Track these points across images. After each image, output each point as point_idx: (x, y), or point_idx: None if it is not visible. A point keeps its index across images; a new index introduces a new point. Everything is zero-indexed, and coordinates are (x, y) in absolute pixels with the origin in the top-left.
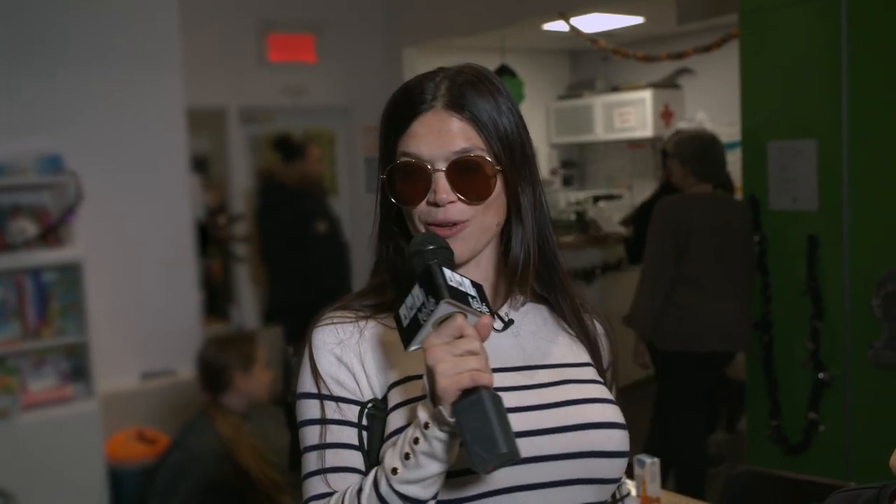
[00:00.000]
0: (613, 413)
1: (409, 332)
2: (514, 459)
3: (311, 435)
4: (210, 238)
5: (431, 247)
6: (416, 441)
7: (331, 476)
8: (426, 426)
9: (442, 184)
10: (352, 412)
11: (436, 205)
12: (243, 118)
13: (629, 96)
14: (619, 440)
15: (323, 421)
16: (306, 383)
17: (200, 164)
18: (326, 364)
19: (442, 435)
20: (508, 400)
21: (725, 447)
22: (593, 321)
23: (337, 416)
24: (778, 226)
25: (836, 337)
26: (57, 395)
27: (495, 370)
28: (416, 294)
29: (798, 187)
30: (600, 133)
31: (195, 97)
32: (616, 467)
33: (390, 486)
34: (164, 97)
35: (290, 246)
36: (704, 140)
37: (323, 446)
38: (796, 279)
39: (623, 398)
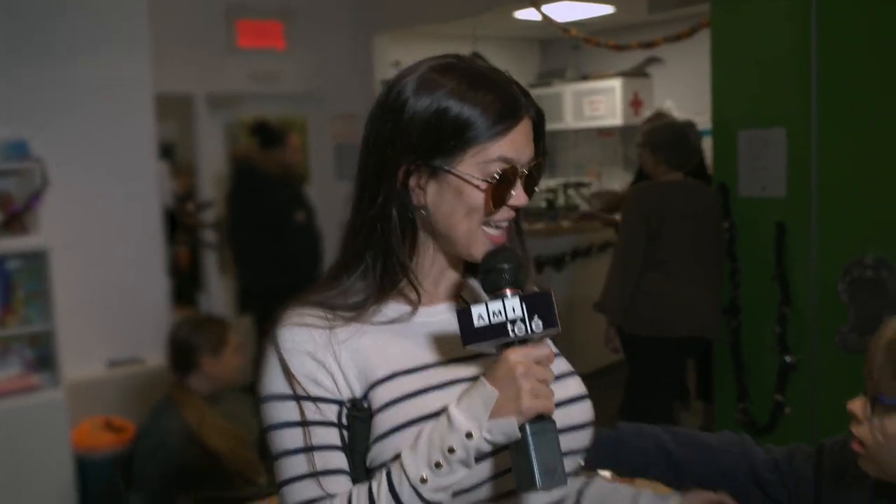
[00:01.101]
0: (578, 385)
1: (480, 334)
2: (562, 485)
3: (290, 438)
4: (178, 225)
5: (511, 264)
6: (450, 450)
7: (324, 479)
8: (469, 436)
9: (521, 189)
10: (331, 412)
11: (513, 209)
12: (211, 104)
13: (599, 85)
14: (587, 411)
15: (304, 423)
16: (276, 384)
17: (168, 151)
18: (299, 364)
19: (487, 447)
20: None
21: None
22: None
23: (318, 418)
24: (747, 213)
25: (804, 322)
26: (22, 384)
27: (470, 358)
28: (514, 307)
29: (767, 175)
30: (570, 121)
31: (163, 83)
32: (586, 437)
33: (419, 494)
34: (132, 83)
35: (268, 234)
36: (676, 129)
37: (309, 449)
38: (765, 265)
39: (593, 383)
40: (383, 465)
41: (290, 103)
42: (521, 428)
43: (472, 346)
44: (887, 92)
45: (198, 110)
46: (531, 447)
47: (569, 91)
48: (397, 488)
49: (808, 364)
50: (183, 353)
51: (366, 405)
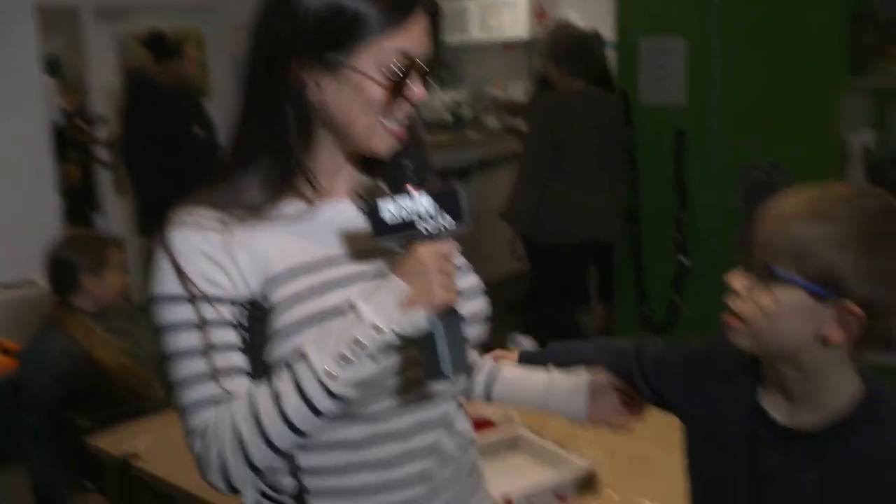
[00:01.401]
0: (475, 279)
1: (392, 231)
2: (468, 374)
3: (186, 338)
4: (68, 142)
5: (416, 163)
6: (359, 344)
7: (224, 379)
8: (378, 329)
9: (420, 84)
10: (229, 312)
11: (411, 103)
12: (99, 17)
13: None
14: (484, 305)
15: (201, 324)
16: (169, 285)
17: (55, 67)
18: (192, 264)
19: (396, 340)
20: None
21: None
22: None
23: (215, 318)
24: (648, 121)
25: (701, 227)
26: None
27: (371, 254)
28: (423, 203)
29: (668, 84)
30: (475, 34)
31: None
32: (483, 330)
33: (326, 388)
34: None
35: (165, 149)
36: (579, 39)
37: (206, 349)
38: (665, 172)
39: (500, 293)
40: (283, 362)
41: (183, 15)
42: (431, 321)
43: (380, 240)
44: (785, 3)
45: (85, 22)
46: (441, 339)
47: (474, 4)
48: (303, 384)
49: (705, 267)
50: (62, 273)
51: (265, 305)
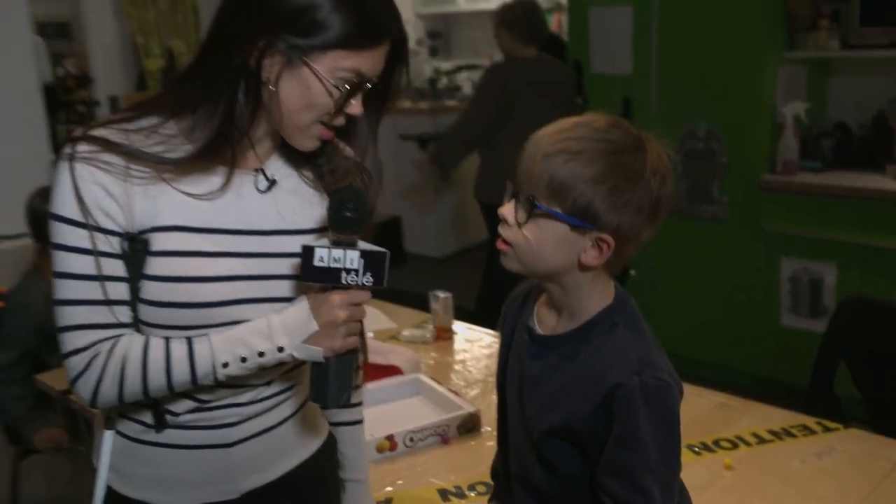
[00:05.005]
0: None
1: (317, 274)
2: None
3: (78, 262)
4: (60, 103)
5: (358, 213)
6: (260, 354)
7: (115, 308)
8: (280, 349)
9: (360, 100)
10: (117, 244)
11: (346, 116)
12: None
13: None
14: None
15: (96, 253)
16: (68, 207)
17: (62, 31)
18: (91, 194)
19: (290, 360)
20: (250, 265)
21: None
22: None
23: (108, 249)
24: (598, 88)
25: None
26: None
27: (245, 232)
28: (353, 259)
29: (615, 52)
30: (462, 4)
31: None
32: None
33: (214, 372)
34: None
35: None
36: (525, 5)
37: (101, 278)
38: None
39: (470, 257)
40: (159, 304)
41: None
42: (327, 359)
43: (306, 281)
44: None
45: None
46: (330, 374)
47: None
48: (196, 360)
49: None
50: (41, 222)
51: (142, 243)
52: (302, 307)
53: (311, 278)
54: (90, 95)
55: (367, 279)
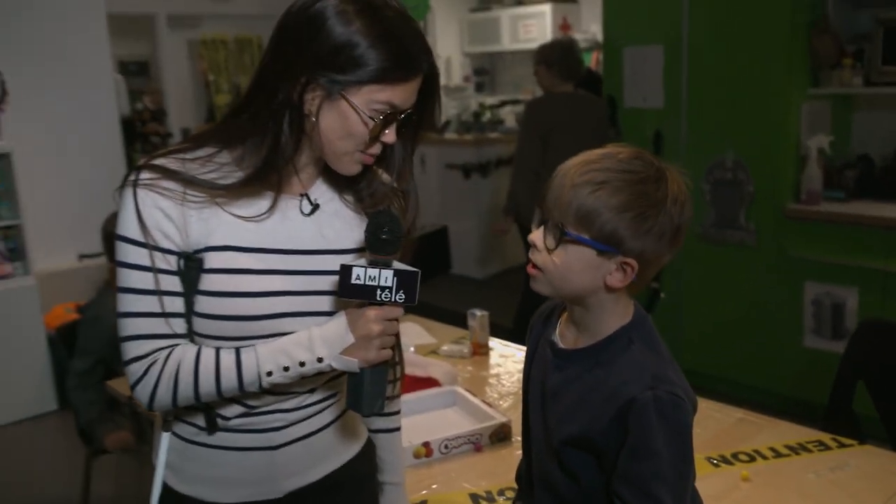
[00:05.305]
0: None
1: (354, 291)
2: (379, 413)
3: (139, 278)
4: (136, 134)
5: (394, 235)
6: (302, 364)
7: (171, 320)
8: (320, 360)
9: (394, 130)
10: (174, 262)
11: (382, 144)
12: (172, 24)
13: (531, 10)
14: None
15: (155, 270)
16: (131, 228)
17: (141, 68)
18: (151, 217)
19: (329, 371)
20: (294, 282)
21: None
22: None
23: (166, 267)
24: (631, 121)
25: None
26: None
27: (289, 251)
28: (387, 277)
29: (647, 88)
30: (507, 43)
31: (126, 4)
32: None
33: (260, 380)
34: (85, 2)
35: None
36: (564, 44)
37: (159, 293)
38: None
39: (509, 279)
40: (211, 317)
41: (247, 23)
42: (362, 369)
43: (346, 299)
44: (751, 16)
45: (160, 29)
46: (365, 384)
47: (505, 15)
48: (243, 369)
49: (679, 255)
50: (111, 243)
51: (197, 261)
52: (340, 321)
53: (349, 295)
54: (164, 128)
55: (400, 296)
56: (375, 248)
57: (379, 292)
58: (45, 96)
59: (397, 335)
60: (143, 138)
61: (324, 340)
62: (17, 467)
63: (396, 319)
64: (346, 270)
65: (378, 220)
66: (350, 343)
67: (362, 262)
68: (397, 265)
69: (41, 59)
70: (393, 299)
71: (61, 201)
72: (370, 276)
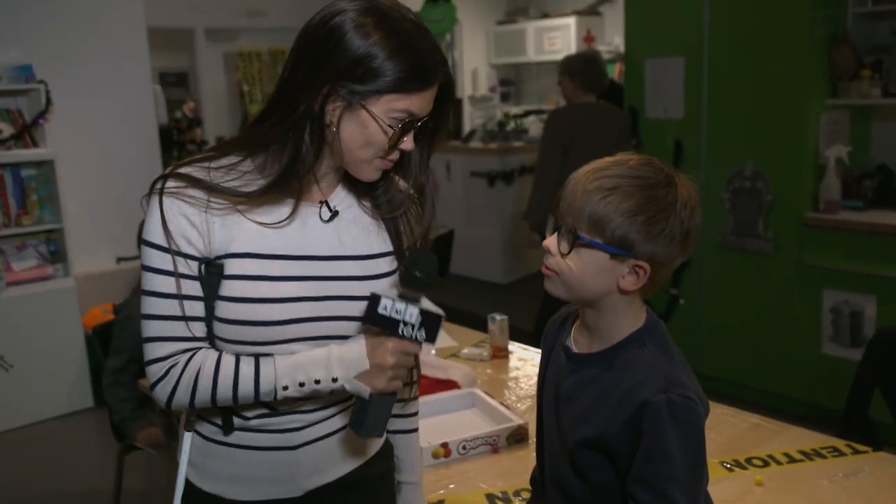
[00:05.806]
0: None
1: (378, 320)
2: (379, 437)
3: (162, 282)
4: (173, 142)
5: (427, 273)
6: (317, 382)
7: (192, 324)
8: (335, 380)
9: (411, 137)
10: (195, 267)
11: (400, 151)
12: (209, 37)
13: (556, 22)
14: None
15: (177, 275)
16: (155, 234)
17: (182, 79)
18: (175, 223)
19: (341, 390)
20: (310, 287)
21: None
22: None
23: (188, 272)
24: (652, 131)
25: None
26: (38, 273)
27: (308, 257)
28: (413, 314)
29: (668, 99)
30: (532, 55)
31: (166, 18)
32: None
33: (275, 393)
34: (126, 16)
35: None
36: (587, 56)
37: (181, 297)
38: None
39: (532, 284)
40: (230, 321)
41: (280, 36)
42: (371, 395)
43: (367, 324)
44: (771, 28)
45: (198, 42)
46: (370, 409)
47: (531, 28)
48: (261, 380)
49: (698, 262)
50: None
51: (218, 267)
52: (360, 346)
53: (372, 322)
54: (201, 136)
55: (421, 335)
56: (407, 282)
57: (402, 326)
58: (87, 106)
59: (417, 358)
60: (179, 146)
61: (341, 361)
62: (55, 461)
63: (414, 355)
64: (374, 299)
65: (415, 258)
66: (365, 368)
67: (392, 293)
68: (425, 303)
69: (84, 71)
70: (413, 336)
71: (101, 206)
72: (396, 309)
